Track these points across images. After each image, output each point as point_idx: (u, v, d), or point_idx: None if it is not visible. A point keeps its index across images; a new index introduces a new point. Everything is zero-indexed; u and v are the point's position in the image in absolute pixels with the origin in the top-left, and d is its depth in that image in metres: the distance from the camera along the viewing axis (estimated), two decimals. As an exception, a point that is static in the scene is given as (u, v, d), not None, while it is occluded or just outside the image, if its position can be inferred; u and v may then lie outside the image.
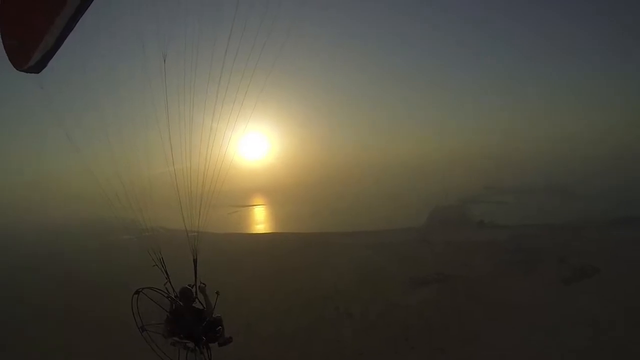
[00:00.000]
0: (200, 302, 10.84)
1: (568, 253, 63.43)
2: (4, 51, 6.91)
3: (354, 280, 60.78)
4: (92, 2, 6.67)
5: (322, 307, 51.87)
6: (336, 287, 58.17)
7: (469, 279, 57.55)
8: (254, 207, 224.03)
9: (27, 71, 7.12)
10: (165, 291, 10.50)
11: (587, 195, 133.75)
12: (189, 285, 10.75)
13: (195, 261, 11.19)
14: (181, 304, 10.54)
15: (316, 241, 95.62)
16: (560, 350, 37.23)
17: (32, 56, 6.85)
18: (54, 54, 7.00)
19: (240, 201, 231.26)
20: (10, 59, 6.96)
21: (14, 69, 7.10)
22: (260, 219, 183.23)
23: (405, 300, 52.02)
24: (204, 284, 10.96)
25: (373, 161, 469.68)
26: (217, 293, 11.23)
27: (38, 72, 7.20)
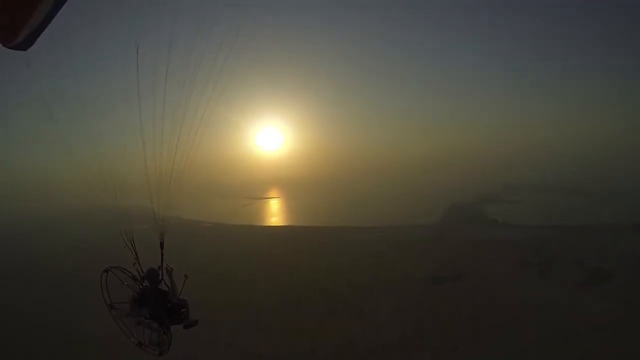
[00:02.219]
0: (166, 284, 10.80)
1: (585, 255, 62.18)
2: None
3: (367, 276, 60.71)
4: None
5: (334, 301, 52.17)
6: (349, 282, 58.29)
7: (484, 278, 57.02)
8: (269, 199, 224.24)
9: (14, 48, 6.97)
10: (134, 272, 10.53)
11: (606, 196, 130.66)
12: (157, 268, 10.75)
13: (162, 244, 11.02)
14: (147, 285, 10.57)
15: (330, 235, 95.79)
16: (573, 354, 36.95)
17: (19, 33, 6.68)
18: (42, 32, 6.92)
19: (256, 193, 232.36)
20: None
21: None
22: (274, 212, 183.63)
23: (419, 298, 51.83)
24: (171, 267, 10.88)
25: (390, 156, 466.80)
26: (185, 276, 11.04)
27: (25, 50, 7.09)
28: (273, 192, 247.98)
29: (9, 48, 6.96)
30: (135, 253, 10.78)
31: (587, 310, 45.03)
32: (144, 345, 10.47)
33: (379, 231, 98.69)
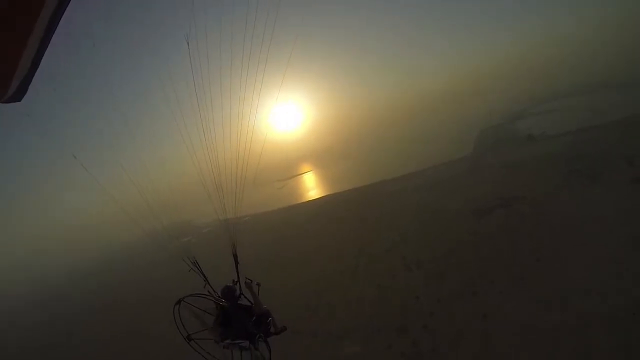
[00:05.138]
0: (246, 297, 10.42)
1: (634, 151, 57.07)
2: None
3: (415, 227, 60.18)
4: (62, 16, 6.19)
5: (389, 260, 52.18)
6: (399, 236, 58.09)
7: (532, 199, 55.17)
8: (302, 175, 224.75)
9: (8, 102, 6.46)
10: (208, 294, 10.06)
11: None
12: (233, 283, 10.33)
13: (235, 256, 10.66)
14: (226, 304, 10.09)
15: (369, 193, 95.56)
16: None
17: (10, 85, 6.20)
18: (32, 78, 6.35)
19: (286, 173, 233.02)
20: None
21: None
22: (310, 186, 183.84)
23: (471, 234, 51.12)
24: (250, 279, 10.47)
25: (410, 99, 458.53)
26: (258, 284, 10.62)
27: (20, 101, 6.58)
28: (304, 167, 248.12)
29: (3, 102, 6.38)
30: (203, 275, 10.34)
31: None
32: None
33: (416, 177, 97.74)
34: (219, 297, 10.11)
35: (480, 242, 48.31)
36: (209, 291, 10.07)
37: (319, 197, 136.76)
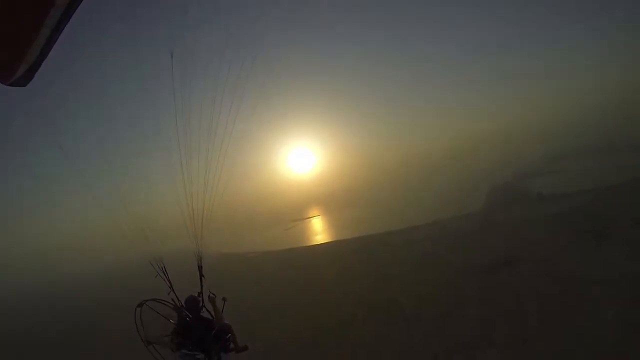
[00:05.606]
0: (208, 311, 10.55)
1: None
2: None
3: (419, 278, 59.29)
4: (76, 9, 6.36)
5: (388, 311, 51.05)
6: (401, 287, 57.16)
7: (540, 258, 54.44)
8: (310, 218, 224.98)
9: (13, 85, 6.86)
10: (171, 302, 10.22)
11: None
12: (197, 295, 10.45)
13: (200, 268, 10.69)
14: (188, 314, 10.23)
15: (376, 242, 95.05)
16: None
17: (17, 69, 6.61)
18: (40, 66, 6.84)
19: (296, 215, 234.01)
20: None
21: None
22: (317, 230, 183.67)
23: (475, 291, 50.11)
24: (213, 294, 10.64)
25: (422, 152, 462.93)
26: (224, 299, 10.86)
27: (24, 86, 7.00)
28: (313, 211, 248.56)
29: (8, 85, 6.89)
30: (169, 281, 10.44)
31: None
32: None
33: (423, 229, 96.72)
34: (182, 306, 10.21)
35: (484, 299, 47.18)
36: (172, 299, 10.17)
37: (325, 242, 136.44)
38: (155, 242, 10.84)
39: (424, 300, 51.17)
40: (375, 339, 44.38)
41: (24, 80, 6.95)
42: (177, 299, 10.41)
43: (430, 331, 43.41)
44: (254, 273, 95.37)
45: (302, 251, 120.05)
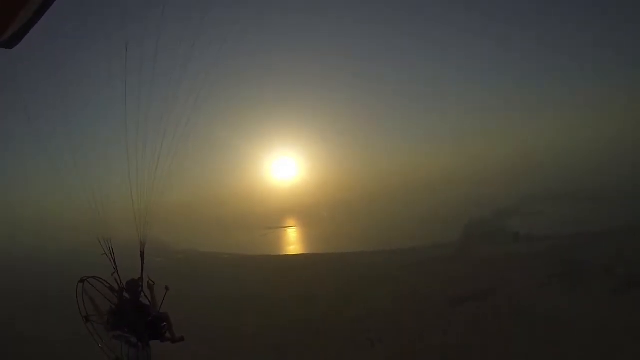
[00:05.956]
0: (147, 297, 10.58)
1: (614, 262, 59.11)
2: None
3: (387, 302, 58.70)
4: None
5: (352, 331, 50.17)
6: (368, 309, 56.29)
7: (509, 295, 54.50)
8: (286, 228, 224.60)
9: (0, 46, 6.69)
10: (112, 282, 10.29)
11: (629, 197, 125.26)
12: (138, 279, 10.48)
13: (142, 254, 10.62)
14: (127, 296, 10.28)
15: (348, 261, 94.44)
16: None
17: (6, 30, 6.40)
18: (30, 29, 6.63)
19: (272, 223, 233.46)
20: None
21: None
22: (291, 241, 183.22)
23: (442, 321, 49.55)
24: (152, 281, 10.73)
25: (403, 177, 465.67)
26: (167, 288, 10.93)
27: (11, 48, 6.80)
28: (290, 221, 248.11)
29: None
30: (114, 262, 10.47)
31: (621, 320, 41.78)
32: None
33: (397, 254, 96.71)
34: (122, 287, 10.24)
35: (450, 330, 46.63)
36: (115, 279, 10.21)
37: (297, 253, 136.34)
38: (109, 227, 10.86)
39: (389, 325, 50.40)
40: (338, 356, 43.66)
41: (13, 42, 6.75)
42: (120, 280, 10.43)
43: (393, 357, 42.78)
44: (221, 273, 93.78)
45: (273, 259, 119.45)
